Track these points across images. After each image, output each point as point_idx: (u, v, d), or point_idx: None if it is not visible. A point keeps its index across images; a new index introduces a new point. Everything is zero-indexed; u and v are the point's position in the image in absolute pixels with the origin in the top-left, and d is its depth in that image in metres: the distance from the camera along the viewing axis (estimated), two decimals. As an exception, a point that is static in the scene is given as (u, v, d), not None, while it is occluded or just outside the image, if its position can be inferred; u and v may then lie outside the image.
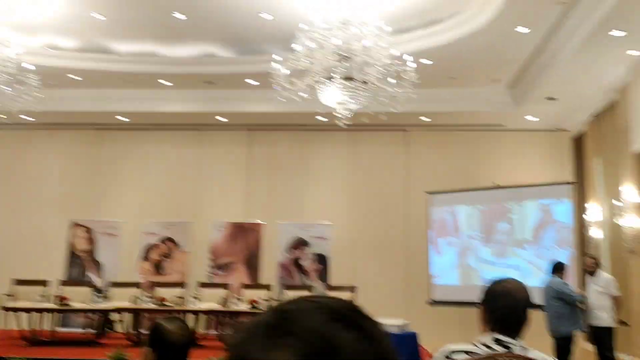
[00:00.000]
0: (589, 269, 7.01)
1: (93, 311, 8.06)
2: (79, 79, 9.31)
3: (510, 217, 8.92)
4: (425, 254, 9.51)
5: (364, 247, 9.90)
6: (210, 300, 8.29)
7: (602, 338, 6.70)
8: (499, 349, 1.82)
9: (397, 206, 10.12)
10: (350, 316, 0.52)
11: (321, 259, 9.41)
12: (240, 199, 10.39)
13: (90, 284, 8.85)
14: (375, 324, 0.54)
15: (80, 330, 8.44)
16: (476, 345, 1.86)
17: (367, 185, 10.24)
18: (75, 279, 9.29)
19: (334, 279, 9.28)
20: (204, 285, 8.93)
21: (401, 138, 10.35)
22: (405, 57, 6.31)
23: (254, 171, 10.48)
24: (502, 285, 1.90)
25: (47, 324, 8.18)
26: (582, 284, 7.72)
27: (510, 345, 1.83)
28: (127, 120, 10.38)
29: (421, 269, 9.57)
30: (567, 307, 6.64)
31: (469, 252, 9.17)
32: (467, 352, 1.83)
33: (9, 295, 8.24)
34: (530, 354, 1.82)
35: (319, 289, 8.92)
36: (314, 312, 0.52)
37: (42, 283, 8.42)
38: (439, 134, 10.25)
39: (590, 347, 7.71)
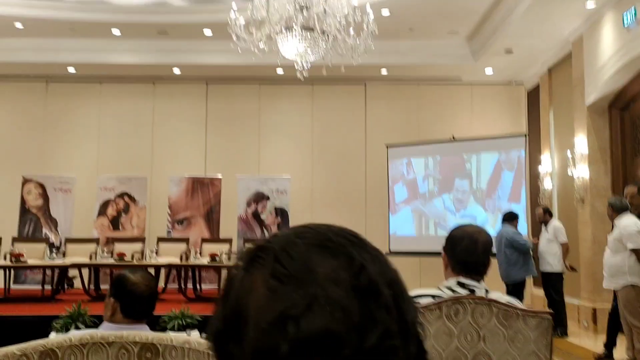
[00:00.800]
0: (540, 218, 7.26)
1: (49, 267, 7.88)
2: (22, 26, 8.76)
3: (467, 169, 9.09)
4: (384, 206, 9.63)
5: (323, 200, 9.95)
6: (169, 255, 8.21)
7: (551, 283, 7.01)
8: (463, 291, 1.83)
9: (357, 159, 10.15)
10: (334, 243, 0.50)
11: (281, 212, 9.41)
12: (198, 152, 10.23)
13: (45, 241, 8.61)
14: (362, 252, 0.51)
15: (36, 287, 8.25)
16: (440, 289, 1.87)
17: (326, 139, 10.21)
18: (29, 236, 9.02)
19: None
20: (163, 240, 8.85)
21: (360, 91, 10.31)
22: (364, 7, 6.18)
23: (212, 125, 10.30)
24: (462, 229, 1.92)
25: (1, 281, 7.94)
26: (536, 233, 8.00)
27: (473, 288, 1.84)
28: (76, 71, 9.91)
29: (380, 220, 9.70)
30: (518, 255, 6.88)
31: (426, 203, 9.33)
32: (432, 296, 1.84)
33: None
34: (492, 296, 1.84)
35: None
36: (294, 237, 0.51)
37: (-5, 240, 8.13)
38: (398, 88, 10.25)
39: (540, 292, 8.07)
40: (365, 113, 10.29)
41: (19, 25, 8.72)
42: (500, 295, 1.87)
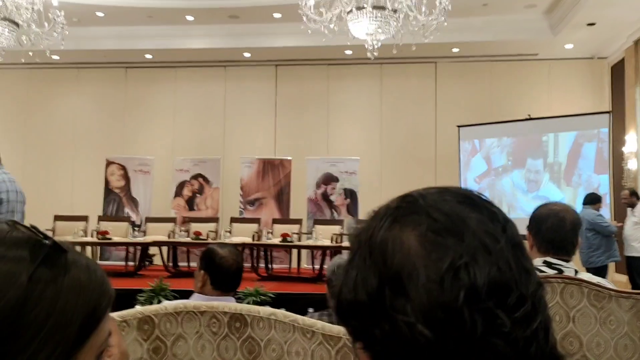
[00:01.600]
0: (625, 201, 6.88)
1: (133, 244, 8.29)
2: (103, 15, 9.17)
3: (544, 149, 8.73)
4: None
5: (393, 181, 9.87)
6: (242, 235, 8.44)
7: (636, 268, 6.65)
8: (550, 271, 1.77)
9: (427, 140, 10.02)
10: (476, 200, 0.52)
11: (350, 194, 9.46)
12: (268, 134, 10.43)
13: (127, 219, 9.07)
14: (500, 210, 0.53)
15: (120, 263, 8.73)
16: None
17: (395, 119, 10.13)
18: (113, 215, 9.53)
19: (364, 213, 9.31)
20: (236, 220, 9.11)
21: (431, 71, 10.11)
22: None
23: (282, 107, 10.45)
24: (547, 208, 1.84)
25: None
26: (619, 216, 7.60)
27: (561, 268, 1.78)
28: (152, 58, 10.29)
29: (451, 202, 9.51)
30: (600, 239, 6.57)
31: (500, 185, 9.06)
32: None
33: (49, 230, 8.51)
34: (582, 276, 1.77)
35: (349, 223, 9.00)
36: (439, 194, 0.52)
37: (83, 218, 8.62)
38: (470, 66, 9.95)
39: (622, 278, 7.68)
40: (436, 93, 10.08)
41: (100, 14, 9.13)
42: (590, 275, 1.80)
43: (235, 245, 7.98)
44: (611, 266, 7.70)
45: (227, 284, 2.09)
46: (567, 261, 1.80)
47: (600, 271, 6.58)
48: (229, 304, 1.61)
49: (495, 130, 9.16)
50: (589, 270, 6.61)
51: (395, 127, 10.13)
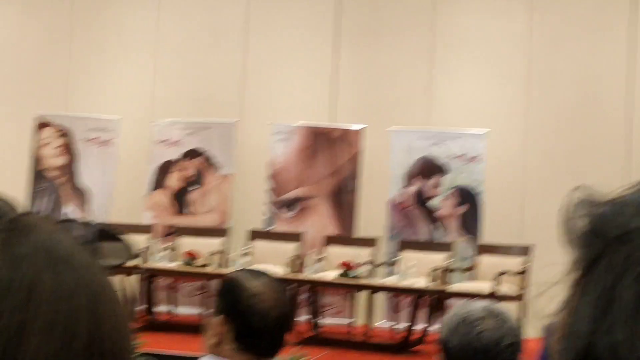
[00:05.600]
0: None
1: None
2: None
3: None
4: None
5: (548, 172, 9.76)
6: (270, 261, 8.56)
7: None
8: None
9: (614, 101, 9.92)
10: None
11: (468, 196, 9.48)
12: (322, 87, 10.51)
13: (68, 225, 9.16)
14: None
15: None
16: None
17: (555, 63, 10.05)
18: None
19: (491, 230, 9.30)
20: (260, 235, 9.26)
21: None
22: None
23: (348, 39, 10.61)
24: None
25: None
26: None
27: None
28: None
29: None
30: None
31: None
32: None
33: None
34: None
35: (461, 247, 9.11)
36: None
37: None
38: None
39: None
40: (632, 17, 9.88)
41: None
42: None
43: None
44: None
45: (264, 341, 2.14)
46: None
47: None
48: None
49: None
50: None
51: (556, 76, 10.04)
